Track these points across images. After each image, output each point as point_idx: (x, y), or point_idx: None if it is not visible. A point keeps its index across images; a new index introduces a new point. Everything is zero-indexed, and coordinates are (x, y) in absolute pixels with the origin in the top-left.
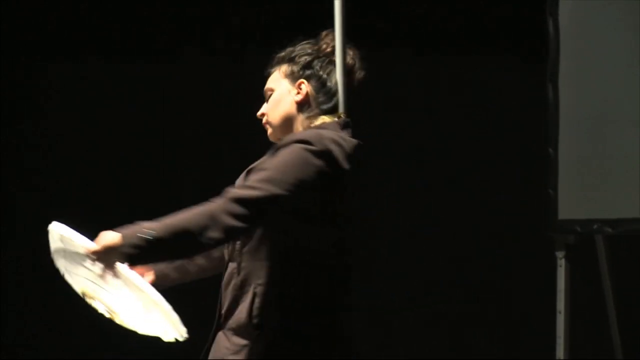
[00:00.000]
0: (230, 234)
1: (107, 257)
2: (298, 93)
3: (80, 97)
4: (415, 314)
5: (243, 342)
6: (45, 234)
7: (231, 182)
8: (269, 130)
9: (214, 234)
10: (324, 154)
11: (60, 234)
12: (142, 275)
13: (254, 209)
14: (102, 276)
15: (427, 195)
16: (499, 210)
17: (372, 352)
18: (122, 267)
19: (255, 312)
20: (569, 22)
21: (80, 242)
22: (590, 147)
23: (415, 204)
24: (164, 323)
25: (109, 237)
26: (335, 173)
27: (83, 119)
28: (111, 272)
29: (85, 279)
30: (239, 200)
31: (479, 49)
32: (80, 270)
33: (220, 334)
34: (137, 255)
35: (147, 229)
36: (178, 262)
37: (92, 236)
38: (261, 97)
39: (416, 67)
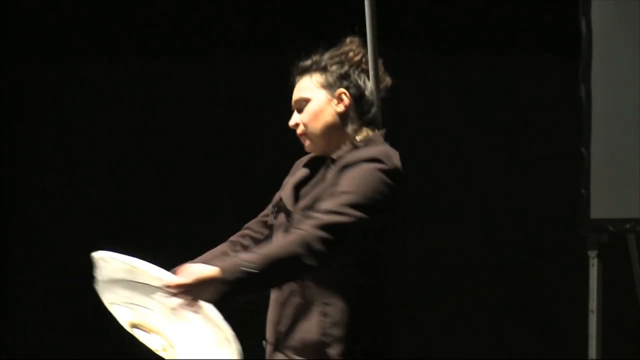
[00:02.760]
0: (322, 262)
1: (199, 291)
2: (339, 104)
3: (81, 97)
4: (449, 314)
5: None
6: (46, 237)
7: (231, 182)
8: (308, 142)
9: (308, 261)
10: (396, 173)
11: (130, 265)
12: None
13: (344, 236)
14: (174, 310)
15: (459, 195)
16: (532, 210)
17: (406, 349)
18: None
19: (326, 331)
20: (602, 21)
21: (156, 274)
22: (623, 146)
23: (448, 204)
24: None
25: (204, 271)
26: (402, 191)
27: (82, 120)
28: (192, 307)
29: (147, 311)
30: (329, 228)
31: (512, 48)
32: (145, 301)
33: (278, 354)
34: (234, 290)
35: (246, 261)
36: None
37: (83, 244)
38: (257, 98)
39: (447, 66)
